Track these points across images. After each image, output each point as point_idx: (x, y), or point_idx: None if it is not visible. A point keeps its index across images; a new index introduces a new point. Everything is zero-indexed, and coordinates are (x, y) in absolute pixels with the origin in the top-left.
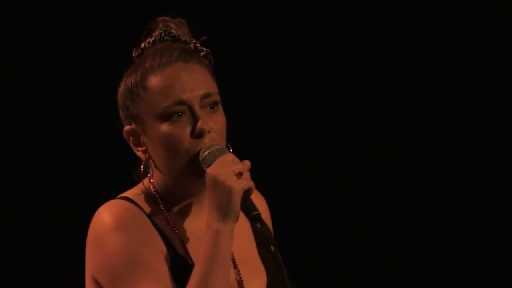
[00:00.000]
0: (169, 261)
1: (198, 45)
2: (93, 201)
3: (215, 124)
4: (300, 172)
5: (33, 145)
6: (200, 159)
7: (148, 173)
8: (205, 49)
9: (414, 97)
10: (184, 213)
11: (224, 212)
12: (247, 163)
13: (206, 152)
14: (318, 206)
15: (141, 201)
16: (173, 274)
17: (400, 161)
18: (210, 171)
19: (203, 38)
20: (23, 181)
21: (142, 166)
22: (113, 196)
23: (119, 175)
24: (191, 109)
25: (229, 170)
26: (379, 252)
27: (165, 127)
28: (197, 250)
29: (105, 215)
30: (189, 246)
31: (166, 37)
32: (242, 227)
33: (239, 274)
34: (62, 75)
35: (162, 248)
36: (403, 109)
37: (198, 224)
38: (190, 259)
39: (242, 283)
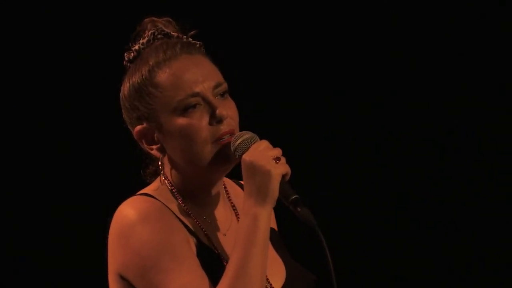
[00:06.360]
0: (195, 250)
1: (190, 39)
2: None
3: (229, 110)
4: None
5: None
6: (232, 148)
7: (161, 171)
8: (198, 42)
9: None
10: (201, 204)
11: (263, 196)
12: (279, 150)
13: (239, 141)
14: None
15: (159, 195)
16: (200, 263)
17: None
18: (247, 157)
19: (192, 33)
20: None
21: (159, 163)
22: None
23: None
24: (205, 99)
25: (267, 155)
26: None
27: (182, 120)
28: (219, 240)
29: (128, 210)
30: (211, 235)
31: (159, 35)
32: None
33: None
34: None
35: (188, 237)
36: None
37: (216, 214)
38: (215, 248)
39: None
